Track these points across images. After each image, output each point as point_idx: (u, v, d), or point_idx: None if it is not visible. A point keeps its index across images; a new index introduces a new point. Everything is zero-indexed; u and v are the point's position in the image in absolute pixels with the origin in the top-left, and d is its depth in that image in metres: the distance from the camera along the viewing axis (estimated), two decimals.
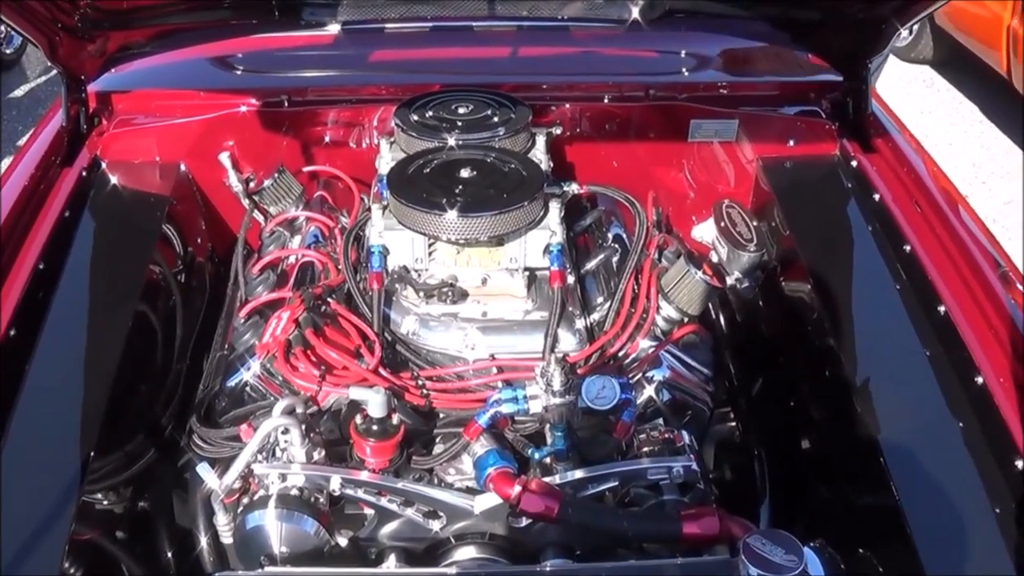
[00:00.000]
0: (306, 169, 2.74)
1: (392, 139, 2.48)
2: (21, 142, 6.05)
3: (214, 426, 2.04)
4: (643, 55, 2.90)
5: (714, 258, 2.61)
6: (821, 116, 2.68)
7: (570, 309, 2.13)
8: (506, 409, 1.87)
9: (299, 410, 1.88)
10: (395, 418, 1.87)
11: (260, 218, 2.66)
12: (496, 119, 2.41)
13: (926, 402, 1.89)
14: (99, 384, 1.94)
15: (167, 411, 2.24)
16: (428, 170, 2.19)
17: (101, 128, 2.64)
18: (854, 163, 2.51)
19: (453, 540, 1.87)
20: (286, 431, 1.83)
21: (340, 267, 2.24)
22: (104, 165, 2.55)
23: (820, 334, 2.16)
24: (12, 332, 1.93)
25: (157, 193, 2.54)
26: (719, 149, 2.76)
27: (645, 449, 1.93)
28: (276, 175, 2.59)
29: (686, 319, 2.21)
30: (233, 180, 2.62)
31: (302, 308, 2.01)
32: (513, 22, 2.75)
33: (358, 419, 1.87)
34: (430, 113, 2.44)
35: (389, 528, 1.87)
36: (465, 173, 2.15)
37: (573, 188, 2.34)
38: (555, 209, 2.15)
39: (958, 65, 6.93)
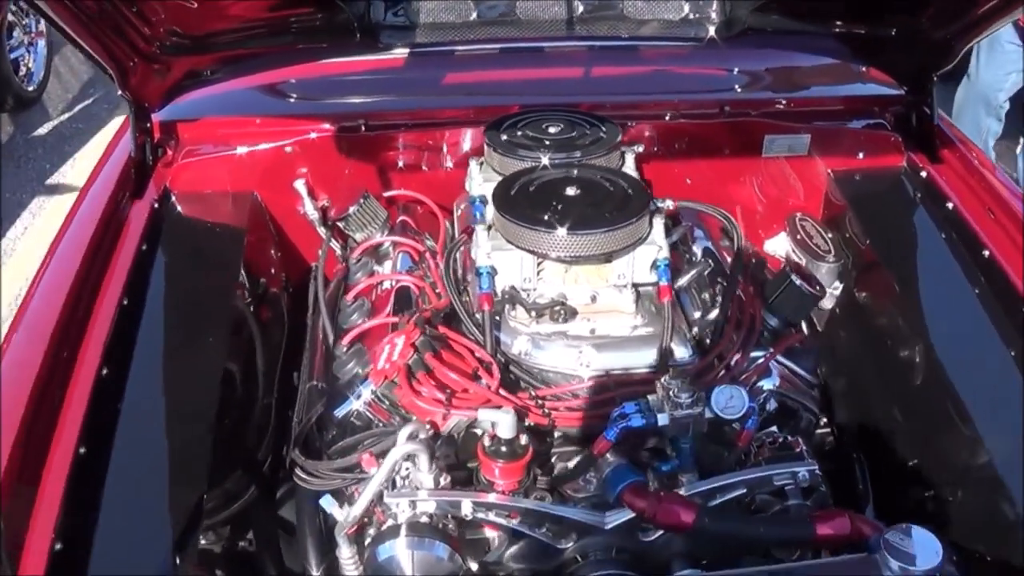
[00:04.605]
0: (387, 194, 2.71)
1: (481, 160, 2.47)
2: (51, 180, 5.97)
3: (317, 458, 2.01)
4: (716, 72, 2.93)
5: None
6: (887, 129, 2.73)
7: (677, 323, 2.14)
8: (634, 423, 1.88)
9: (421, 436, 1.86)
10: (523, 438, 1.86)
11: (335, 246, 2.63)
12: (587, 138, 2.41)
13: (1016, 400, 1.92)
14: (201, 422, 1.90)
15: (261, 446, 2.20)
16: (532, 189, 2.19)
17: (167, 159, 2.58)
18: (923, 174, 2.55)
19: (580, 559, 1.86)
20: (412, 458, 1.82)
21: (437, 291, 2.23)
22: (175, 196, 2.49)
23: (904, 340, 2.19)
24: (105, 371, 1.89)
25: (233, 224, 2.50)
26: (788, 163, 2.80)
27: (765, 456, 1.95)
28: (361, 201, 2.54)
29: (789, 328, 2.23)
30: (309, 208, 2.60)
31: (417, 332, 2.00)
32: (588, 42, 2.75)
33: (486, 440, 1.86)
34: (520, 133, 2.44)
35: (514, 550, 1.87)
36: (570, 191, 2.15)
37: (668, 204, 2.36)
38: (659, 224, 2.16)
39: None
